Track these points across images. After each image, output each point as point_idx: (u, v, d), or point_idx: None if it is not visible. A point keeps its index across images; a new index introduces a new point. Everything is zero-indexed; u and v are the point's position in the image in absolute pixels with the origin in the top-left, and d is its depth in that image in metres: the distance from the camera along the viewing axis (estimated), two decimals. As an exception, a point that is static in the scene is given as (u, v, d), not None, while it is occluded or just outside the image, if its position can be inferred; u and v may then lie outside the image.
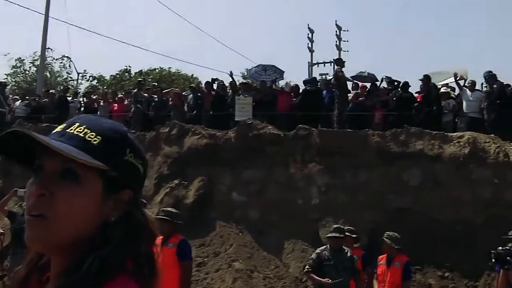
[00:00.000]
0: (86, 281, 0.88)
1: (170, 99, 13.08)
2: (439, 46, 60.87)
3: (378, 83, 12.22)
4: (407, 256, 6.50)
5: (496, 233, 6.43)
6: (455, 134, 9.63)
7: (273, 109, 11.58)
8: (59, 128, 0.98)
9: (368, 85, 12.75)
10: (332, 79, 11.83)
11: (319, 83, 12.79)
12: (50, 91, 16.09)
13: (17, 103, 14.90)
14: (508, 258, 4.81)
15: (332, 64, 21.47)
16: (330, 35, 37.85)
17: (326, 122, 10.84)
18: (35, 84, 24.25)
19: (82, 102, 15.33)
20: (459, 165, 9.01)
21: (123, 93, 15.75)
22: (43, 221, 0.90)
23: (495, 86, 10.25)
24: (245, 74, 24.10)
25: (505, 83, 10.47)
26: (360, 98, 11.54)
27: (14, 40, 51.61)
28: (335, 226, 6.58)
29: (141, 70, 30.09)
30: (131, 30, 56.64)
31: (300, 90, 12.21)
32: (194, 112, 12.42)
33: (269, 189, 9.89)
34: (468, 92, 10.61)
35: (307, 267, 6.44)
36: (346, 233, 6.54)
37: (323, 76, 19.02)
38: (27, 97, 15.38)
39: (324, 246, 6.35)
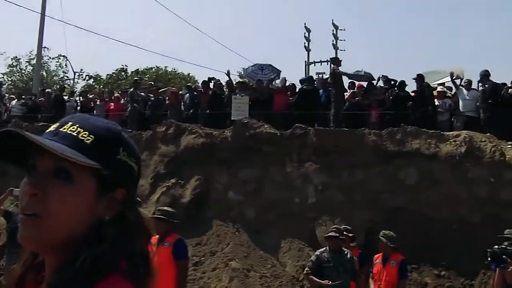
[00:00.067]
0: (78, 279, 0.87)
1: (167, 98, 13.07)
2: (436, 46, 60.86)
3: (374, 82, 12.24)
4: (402, 254, 6.50)
5: (492, 232, 6.43)
6: (451, 133, 9.66)
7: (269, 108, 11.59)
8: (52, 128, 0.98)
9: (364, 84, 12.76)
10: (329, 77, 11.84)
11: (315, 82, 12.79)
12: (47, 90, 15.98)
13: (13, 102, 14.82)
14: (504, 256, 4.81)
15: (329, 63, 21.43)
16: (326, 34, 37.78)
17: (323, 121, 10.85)
18: (31, 83, 24.23)
19: (78, 101, 15.25)
20: (456, 164, 9.05)
21: (119, 92, 15.72)
22: (36, 220, 0.90)
23: (486, 85, 10.30)
24: (242, 73, 24.11)
25: (500, 83, 10.52)
26: (357, 97, 11.55)
27: (10, 39, 51.40)
28: (333, 227, 6.54)
29: (138, 69, 30.12)
30: (128, 29, 56.54)
31: (297, 89, 12.22)
32: (191, 111, 12.39)
33: (265, 188, 9.90)
34: (465, 91, 10.65)
35: (306, 269, 6.35)
36: (343, 232, 6.53)
37: (320, 75, 19.01)
38: (23, 96, 15.27)
39: (324, 248, 6.27)
